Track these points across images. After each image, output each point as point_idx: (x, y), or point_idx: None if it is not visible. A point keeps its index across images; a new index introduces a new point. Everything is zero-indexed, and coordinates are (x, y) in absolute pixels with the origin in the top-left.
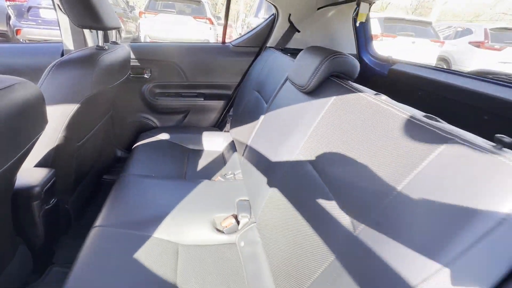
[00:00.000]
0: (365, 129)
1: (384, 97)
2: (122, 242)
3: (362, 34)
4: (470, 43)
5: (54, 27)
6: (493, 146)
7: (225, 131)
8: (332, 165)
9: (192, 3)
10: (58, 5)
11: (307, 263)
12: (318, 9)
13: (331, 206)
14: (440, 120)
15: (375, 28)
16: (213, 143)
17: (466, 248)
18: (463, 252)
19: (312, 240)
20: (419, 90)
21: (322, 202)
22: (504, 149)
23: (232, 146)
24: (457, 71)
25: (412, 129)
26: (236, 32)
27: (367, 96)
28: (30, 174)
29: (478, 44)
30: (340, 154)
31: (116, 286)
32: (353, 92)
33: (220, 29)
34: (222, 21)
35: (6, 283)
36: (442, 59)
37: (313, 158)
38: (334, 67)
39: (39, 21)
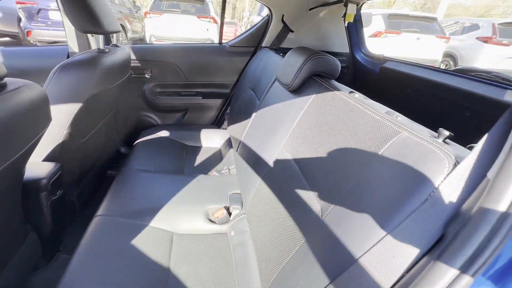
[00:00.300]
0: (337, 124)
1: (357, 95)
2: (121, 230)
3: (354, 33)
4: (477, 38)
5: (62, 29)
6: (434, 137)
7: (222, 129)
8: (309, 158)
9: (196, 3)
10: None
11: (283, 247)
12: (310, 9)
13: (306, 195)
14: (400, 115)
15: (379, 25)
16: (211, 140)
17: (403, 220)
18: (400, 223)
19: (289, 227)
20: (408, 88)
21: (299, 192)
22: (447, 140)
23: (229, 143)
24: (443, 69)
25: (374, 123)
26: (241, 31)
27: (341, 94)
28: (38, 167)
29: (485, 40)
30: (316, 148)
31: (114, 269)
32: (331, 90)
33: (224, 28)
34: (227, 20)
35: (17, 265)
36: (449, 55)
37: (294, 152)
38: (316, 66)
39: (49, 22)
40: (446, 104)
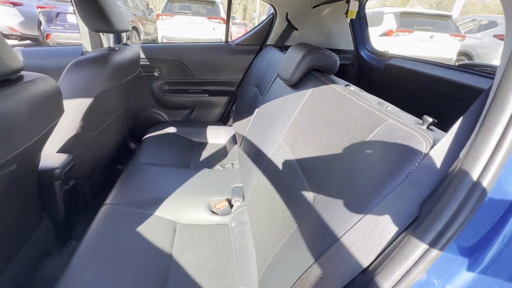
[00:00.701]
0: (332, 115)
1: (352, 87)
2: (128, 218)
3: (358, 30)
4: (495, 36)
5: (78, 31)
6: (419, 124)
7: (228, 126)
8: (305, 149)
9: (207, 5)
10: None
11: (278, 234)
12: (314, 7)
13: (301, 185)
14: (391, 105)
15: (390, 23)
16: (216, 136)
17: (382, 199)
18: (379, 203)
19: (284, 215)
20: (412, 84)
21: (295, 181)
22: (431, 127)
23: (234, 139)
24: (446, 65)
25: (365, 113)
26: None
27: (337, 87)
28: (52, 158)
29: (503, 37)
30: (311, 139)
31: (119, 255)
32: (328, 84)
33: (234, 29)
34: (237, 21)
35: (32, 249)
36: (464, 53)
37: (292, 144)
38: (314, 61)
39: (66, 25)
40: (449, 98)
